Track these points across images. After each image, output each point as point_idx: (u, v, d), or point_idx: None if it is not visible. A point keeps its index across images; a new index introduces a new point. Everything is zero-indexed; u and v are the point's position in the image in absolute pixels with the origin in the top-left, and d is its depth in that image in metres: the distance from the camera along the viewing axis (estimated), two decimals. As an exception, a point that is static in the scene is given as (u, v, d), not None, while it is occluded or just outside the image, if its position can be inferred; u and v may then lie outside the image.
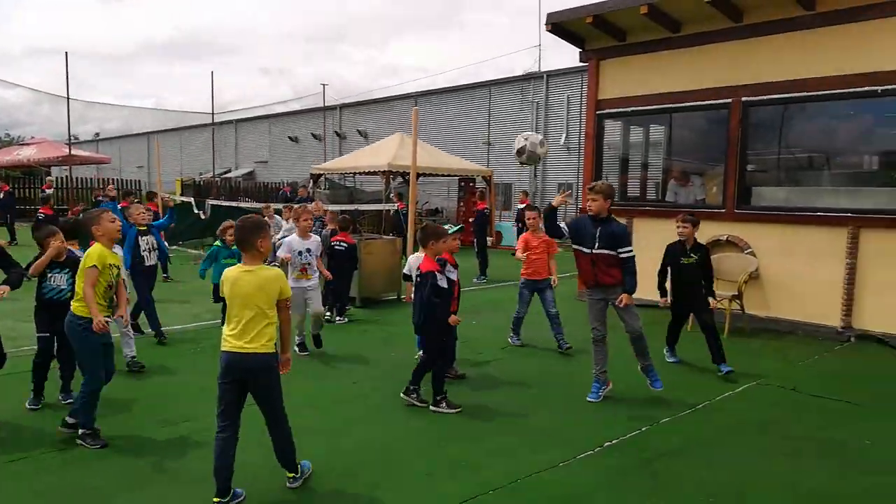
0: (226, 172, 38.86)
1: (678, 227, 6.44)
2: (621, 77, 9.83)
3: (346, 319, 8.79)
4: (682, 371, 6.49)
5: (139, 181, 33.27)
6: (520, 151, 6.45)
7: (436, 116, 29.07)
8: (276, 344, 3.59)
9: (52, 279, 4.97)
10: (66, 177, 25.72)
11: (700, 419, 5.12)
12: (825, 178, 8.76)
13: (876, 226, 7.53)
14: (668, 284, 6.61)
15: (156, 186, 16.43)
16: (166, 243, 8.01)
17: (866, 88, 7.41)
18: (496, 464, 4.17)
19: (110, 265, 4.43)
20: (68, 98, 18.73)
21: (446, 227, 5.75)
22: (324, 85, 36.66)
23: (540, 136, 6.42)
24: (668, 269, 6.52)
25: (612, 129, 10.64)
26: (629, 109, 9.87)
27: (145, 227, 7.45)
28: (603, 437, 4.63)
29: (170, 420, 4.86)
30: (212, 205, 16.86)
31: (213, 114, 25.13)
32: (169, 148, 43.00)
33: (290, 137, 37.85)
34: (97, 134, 58.58)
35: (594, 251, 5.26)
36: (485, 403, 5.39)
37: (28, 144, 29.95)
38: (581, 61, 10.51)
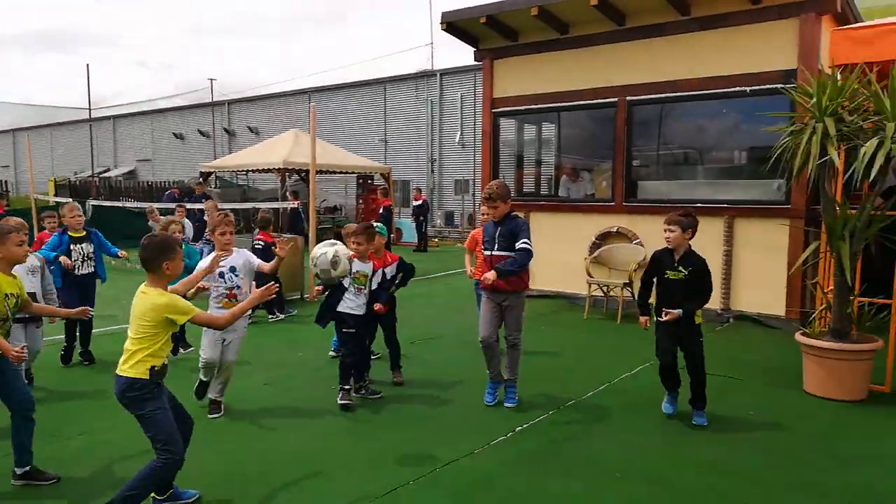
0: (104, 171, 36.61)
1: (665, 231, 4.97)
2: (514, 76, 10.15)
3: (283, 316, 9.03)
4: (584, 355, 6.83)
5: (5, 181, 30.70)
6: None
7: (331, 113, 28.71)
8: (152, 369, 3.28)
9: None
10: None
11: (601, 400, 5.42)
12: (703, 172, 9.45)
13: (748, 215, 8.21)
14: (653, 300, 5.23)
15: (27, 187, 15.28)
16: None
17: (737, 89, 8.07)
18: (414, 456, 4.26)
19: (7, 295, 3.74)
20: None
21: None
22: (211, 80, 35.33)
23: (332, 254, 4.94)
24: (653, 281, 5.02)
25: (507, 127, 10.97)
26: (522, 108, 10.21)
27: (82, 233, 6.44)
28: (515, 423, 4.82)
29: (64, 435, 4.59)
30: (93, 205, 15.87)
31: (90, 109, 23.58)
32: (39, 146, 39.94)
33: (174, 134, 36.17)
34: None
35: (493, 253, 5.03)
36: (402, 398, 5.46)
37: None
38: (475, 60, 10.75)
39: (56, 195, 20.99)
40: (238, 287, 4.95)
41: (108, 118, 39.19)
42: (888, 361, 5.49)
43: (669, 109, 9.07)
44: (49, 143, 41.94)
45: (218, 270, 4.80)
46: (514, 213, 5.09)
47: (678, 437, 4.67)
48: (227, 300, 4.90)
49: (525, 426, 4.80)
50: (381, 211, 16.61)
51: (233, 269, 4.98)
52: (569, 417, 5.03)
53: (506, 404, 5.18)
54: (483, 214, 5.10)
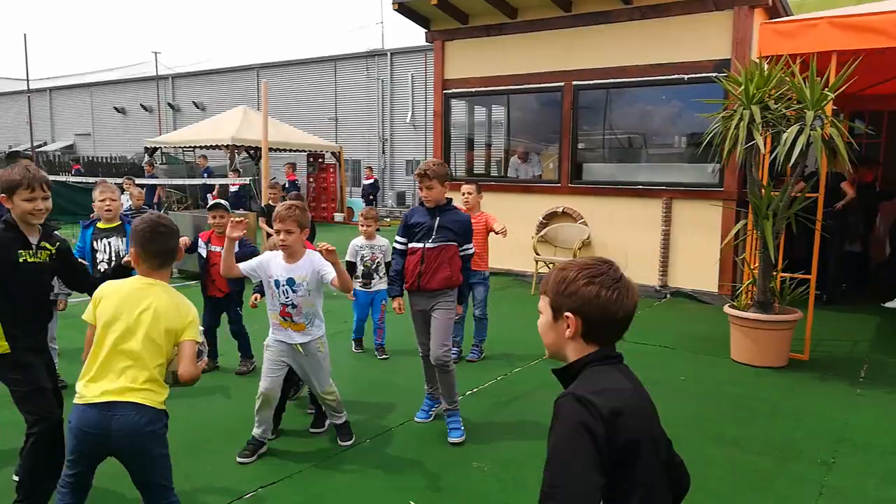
0: (41, 146, 35.28)
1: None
2: (465, 58, 10.37)
3: None
4: (530, 327, 7.16)
5: (-66, 155, 29.31)
6: None
7: (281, 90, 28.35)
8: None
9: None
10: None
11: (546, 367, 5.77)
12: (644, 156, 9.89)
13: (685, 197, 8.68)
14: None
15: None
16: None
17: (675, 76, 8.49)
18: (377, 416, 4.53)
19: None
20: None
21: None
22: (156, 53, 34.31)
23: None
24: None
25: (458, 109, 11.20)
26: (472, 90, 10.45)
27: (115, 223, 5.05)
28: (466, 387, 5.12)
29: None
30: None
31: (27, 80, 22.73)
32: (-31, 118, 38.18)
33: (116, 108, 35.09)
34: None
35: (428, 245, 4.20)
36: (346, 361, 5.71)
37: None
38: (427, 41, 10.91)
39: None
40: (293, 306, 3.76)
41: (44, 90, 37.68)
42: (807, 332, 6.00)
43: (613, 95, 9.46)
44: (-19, 116, 40.14)
45: (274, 278, 3.78)
46: (452, 204, 4.39)
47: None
48: (280, 317, 3.82)
49: (476, 390, 5.14)
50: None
51: (290, 282, 3.74)
52: (515, 382, 5.37)
53: (450, 439, 4.18)
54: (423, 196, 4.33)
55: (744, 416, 4.71)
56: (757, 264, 5.97)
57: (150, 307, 2.62)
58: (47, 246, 3.23)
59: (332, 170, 21.88)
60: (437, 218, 4.24)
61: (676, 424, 4.51)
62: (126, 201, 11.48)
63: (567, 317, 1.63)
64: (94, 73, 36.35)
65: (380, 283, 5.94)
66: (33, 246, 3.16)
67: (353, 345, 6.20)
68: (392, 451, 4.09)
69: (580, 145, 9.73)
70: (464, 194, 6.00)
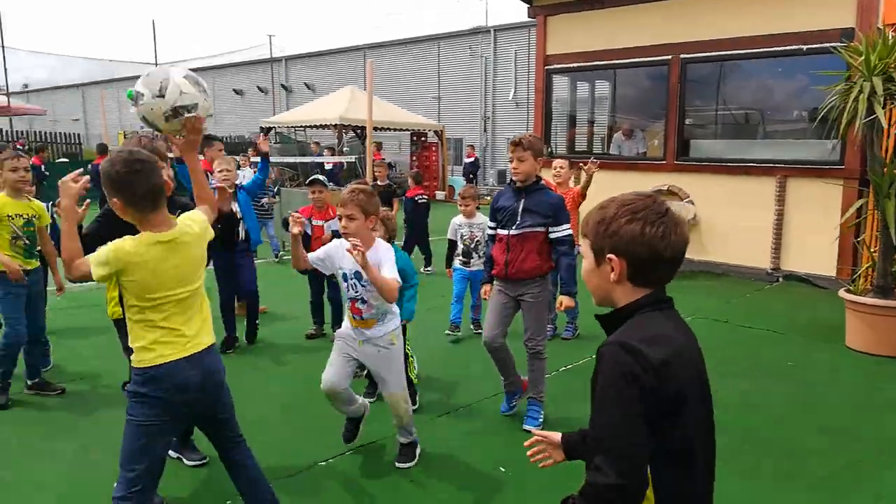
0: (168, 126, 37.87)
1: None
2: (568, 33, 10.19)
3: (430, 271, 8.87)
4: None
5: (78, 134, 32.14)
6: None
7: (385, 70, 28.90)
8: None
9: None
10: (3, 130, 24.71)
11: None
12: (757, 131, 9.40)
13: (802, 175, 8.20)
14: None
15: (97, 139, 16.12)
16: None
17: (793, 47, 7.99)
18: (459, 393, 4.66)
19: (10, 216, 4.23)
20: (3, 46, 17.94)
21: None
22: (270, 36, 35.82)
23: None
24: None
25: (560, 85, 11.05)
26: (575, 65, 10.28)
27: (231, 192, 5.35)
28: (559, 363, 5.16)
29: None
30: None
31: (156, 64, 24.42)
32: (106, 100, 41.44)
33: (234, 90, 37.02)
34: (26, 85, 55.72)
35: (512, 232, 3.88)
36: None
37: (-46, 97, 28.46)
38: (529, 17, 10.81)
39: (125, 149, 21.97)
40: (363, 301, 3.38)
41: (170, 74, 40.31)
42: (931, 320, 5.57)
43: (724, 68, 9.03)
44: (116, 97, 43.41)
45: (342, 271, 3.41)
46: (542, 181, 4.00)
47: (712, 378, 4.91)
48: (351, 314, 3.47)
49: (569, 366, 5.17)
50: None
51: (358, 276, 3.34)
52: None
53: (525, 426, 4.00)
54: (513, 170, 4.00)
55: (854, 407, 4.48)
56: (877, 247, 5.60)
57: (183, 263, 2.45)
58: None
59: (434, 148, 22.18)
60: (523, 200, 3.88)
61: (779, 410, 4.39)
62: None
63: (610, 258, 1.50)
64: (216, 56, 38.36)
65: (479, 263, 5.94)
66: None
67: (450, 325, 6.04)
68: (474, 426, 4.18)
69: (687, 121, 9.38)
70: (555, 168, 5.92)
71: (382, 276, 3.19)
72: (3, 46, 17.87)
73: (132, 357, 2.44)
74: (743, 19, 8.38)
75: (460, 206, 6.05)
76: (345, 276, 3.38)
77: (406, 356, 4.13)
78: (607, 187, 8.86)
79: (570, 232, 3.95)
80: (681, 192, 9.16)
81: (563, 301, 3.89)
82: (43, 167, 15.05)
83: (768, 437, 3.98)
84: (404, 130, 22.06)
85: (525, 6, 10.69)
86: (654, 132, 9.98)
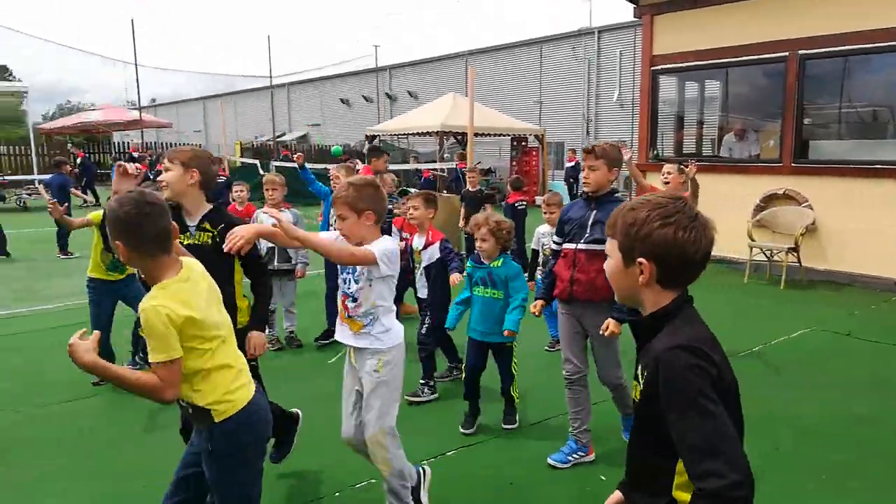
0: (281, 136, 39.72)
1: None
2: (676, 32, 9.85)
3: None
4: (740, 318, 6.73)
5: (199, 145, 34.37)
6: None
7: (486, 75, 29.05)
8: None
9: None
10: (135, 142, 26.85)
11: (756, 360, 5.41)
12: (884, 131, 8.71)
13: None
14: None
15: (218, 150, 17.14)
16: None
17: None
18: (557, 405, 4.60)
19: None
20: (136, 64, 19.53)
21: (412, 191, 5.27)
22: (376, 46, 36.89)
23: None
24: None
25: (667, 85, 10.69)
26: (684, 65, 9.91)
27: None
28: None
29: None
30: (276, 166, 17.51)
31: (270, 77, 25.78)
32: (224, 112, 44.06)
33: (341, 100, 38.35)
34: (153, 100, 60.29)
35: (580, 245, 3.52)
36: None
37: (94, 110, 31.26)
38: (635, 17, 10.54)
39: (241, 156, 23.26)
40: (354, 299, 2.94)
41: (283, 86, 42.27)
42: None
43: (848, 63, 8.43)
44: (233, 110, 46.11)
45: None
46: (618, 193, 3.68)
47: (832, 392, 4.61)
48: (341, 306, 3.01)
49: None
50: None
51: (352, 270, 2.95)
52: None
53: (624, 435, 3.78)
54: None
55: None
56: None
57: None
58: (208, 227, 3.08)
59: (534, 153, 22.05)
60: (595, 211, 3.52)
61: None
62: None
63: (640, 262, 1.51)
64: (325, 67, 39.95)
65: None
66: (190, 228, 3.08)
67: (550, 341, 5.83)
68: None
69: (806, 121, 8.82)
70: (664, 174, 5.61)
71: (321, 239, 2.88)
72: (136, 67, 19.41)
73: (212, 413, 2.21)
74: (865, 12, 7.80)
75: (545, 213, 5.70)
76: (342, 270, 3.01)
77: (511, 376, 4.14)
78: (718, 191, 8.52)
79: None
80: (798, 195, 8.63)
81: (610, 325, 3.39)
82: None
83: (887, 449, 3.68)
84: (504, 135, 22.07)
85: (631, 6, 10.44)
86: (769, 133, 9.46)
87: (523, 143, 22.44)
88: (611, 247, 1.62)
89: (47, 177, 12.46)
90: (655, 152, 10.47)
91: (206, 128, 47.79)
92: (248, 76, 43.40)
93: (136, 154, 22.77)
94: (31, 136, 26.07)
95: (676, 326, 1.50)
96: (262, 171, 17.84)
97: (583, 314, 3.57)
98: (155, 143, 29.86)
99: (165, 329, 2.04)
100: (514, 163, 22.57)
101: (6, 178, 20.58)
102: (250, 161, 20.04)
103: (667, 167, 5.71)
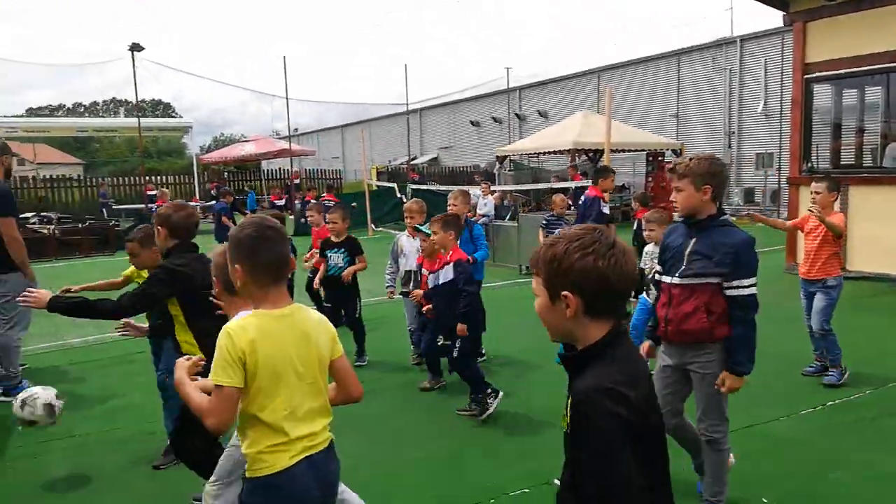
0: (413, 159, 41.17)
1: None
2: (831, 38, 9.29)
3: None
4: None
5: (338, 170, 36.36)
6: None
7: (619, 90, 28.60)
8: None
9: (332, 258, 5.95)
10: (281, 169, 28.87)
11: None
12: None
13: None
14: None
15: (353, 175, 18.06)
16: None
17: None
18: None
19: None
20: (287, 98, 21.13)
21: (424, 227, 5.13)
22: (507, 69, 37.40)
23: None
24: None
25: (821, 93, 10.08)
26: (841, 72, 9.31)
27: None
28: (824, 398, 4.72)
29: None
30: (413, 189, 18.21)
31: (407, 104, 26.89)
32: (360, 139, 46.34)
33: (471, 122, 39.14)
34: (296, 129, 64.42)
35: (674, 279, 3.06)
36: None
37: (247, 141, 33.99)
38: (785, 25, 10.06)
39: (377, 180, 24.39)
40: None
41: (416, 111, 43.86)
42: None
43: None
44: (368, 135, 48.46)
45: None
46: (725, 218, 3.06)
47: None
48: None
49: (838, 402, 4.68)
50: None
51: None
52: (889, 398, 4.75)
53: None
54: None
55: None
56: None
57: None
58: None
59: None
60: (693, 240, 3.02)
61: None
62: (483, 205, 12.90)
63: (565, 296, 1.49)
64: (458, 92, 41.03)
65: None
66: None
67: None
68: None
69: None
70: (812, 192, 5.08)
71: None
72: (287, 101, 21.01)
73: (247, 463, 2.12)
74: None
75: (645, 231, 5.41)
76: None
77: None
78: (882, 203, 7.92)
79: (751, 290, 2.93)
80: (981, 207, 7.81)
81: (728, 380, 2.95)
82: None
83: None
84: (639, 151, 21.57)
85: (779, 13, 9.97)
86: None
87: (659, 158, 21.82)
88: (536, 284, 1.60)
89: (216, 204, 13.79)
90: (810, 165, 9.87)
91: (343, 154, 50.41)
92: (386, 104, 45.30)
93: (297, 181, 24.55)
94: (195, 167, 28.86)
95: (607, 362, 1.49)
96: (399, 194, 18.63)
97: (682, 357, 3.09)
98: (298, 170, 32.09)
99: (228, 354, 1.98)
100: (649, 178, 21.98)
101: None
102: (387, 185, 20.92)
103: (814, 185, 5.16)
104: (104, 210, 21.73)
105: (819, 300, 5.02)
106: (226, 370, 1.97)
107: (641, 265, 5.49)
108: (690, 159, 3.08)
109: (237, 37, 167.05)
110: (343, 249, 5.91)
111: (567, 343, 1.60)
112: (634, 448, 1.42)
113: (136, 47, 19.36)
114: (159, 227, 3.36)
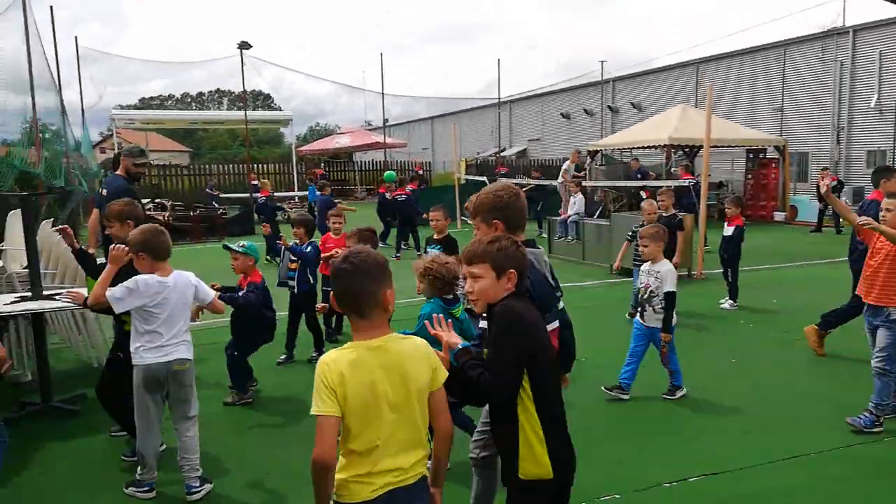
0: (500, 151, 41.18)
1: None
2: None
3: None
4: None
5: (428, 162, 36.92)
6: None
7: (718, 83, 27.54)
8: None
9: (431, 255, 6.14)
10: (377, 160, 29.65)
11: None
12: None
13: None
14: None
15: (442, 166, 18.26)
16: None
17: None
18: (815, 438, 4.42)
19: None
20: (383, 94, 21.71)
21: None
22: (602, 61, 36.69)
23: None
24: None
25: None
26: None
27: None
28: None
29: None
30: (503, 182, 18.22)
31: (499, 100, 27.06)
32: (450, 130, 46.68)
33: (562, 114, 38.70)
34: (387, 120, 65.59)
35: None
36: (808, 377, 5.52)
37: (342, 134, 35.09)
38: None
39: (466, 173, 24.57)
40: None
41: (506, 103, 43.81)
42: None
43: None
44: (458, 129, 48.79)
45: None
46: None
47: None
48: None
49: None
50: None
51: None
52: None
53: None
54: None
55: None
56: None
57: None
58: None
59: (773, 165, 20.47)
60: None
61: None
62: (572, 203, 12.85)
63: (510, 273, 2.39)
64: (551, 85, 40.63)
65: (655, 319, 5.09)
66: None
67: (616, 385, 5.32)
68: None
69: None
70: (882, 212, 4.44)
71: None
72: (383, 96, 21.57)
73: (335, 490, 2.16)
74: None
75: (640, 248, 5.42)
76: None
77: None
78: None
79: None
80: None
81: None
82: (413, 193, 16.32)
83: None
84: (739, 147, 20.77)
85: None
86: None
87: (760, 155, 20.93)
88: (482, 269, 2.41)
89: (321, 197, 14.16)
90: (928, 167, 9.29)
91: (433, 145, 50.97)
92: (476, 98, 45.44)
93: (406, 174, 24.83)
94: (293, 157, 30.06)
95: (512, 302, 2.40)
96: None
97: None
98: (388, 162, 32.88)
99: (321, 383, 2.07)
100: (749, 175, 21.13)
101: (275, 195, 23.83)
102: (477, 178, 21.00)
103: (886, 202, 4.44)
104: (213, 201, 22.88)
105: (883, 336, 4.41)
106: (320, 397, 2.06)
107: (637, 284, 5.34)
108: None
109: (333, 28, 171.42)
110: (441, 248, 6.10)
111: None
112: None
113: (244, 45, 20.38)
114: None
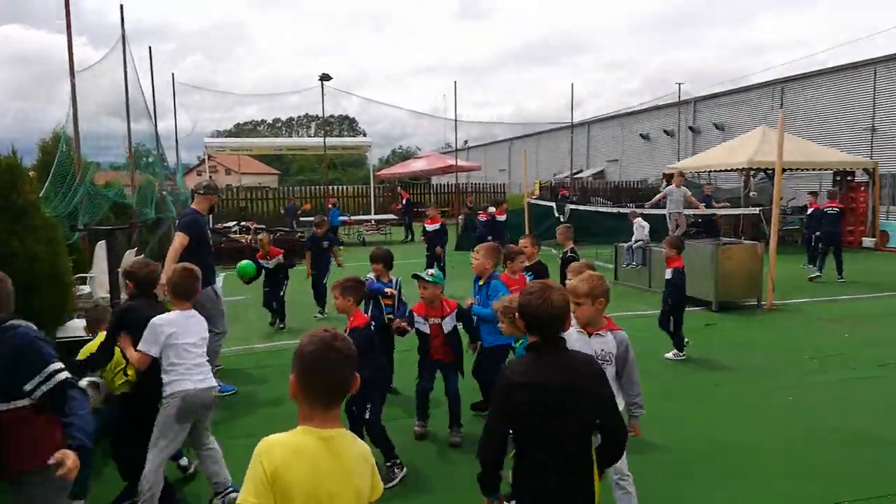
0: (577, 173, 40.83)
1: None
2: None
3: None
4: None
5: (503, 184, 37.12)
6: None
7: (804, 103, 26.49)
8: None
9: None
10: (449, 183, 30.13)
11: None
12: None
13: None
14: None
15: (518, 188, 18.36)
16: None
17: None
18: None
19: None
20: (455, 120, 22.18)
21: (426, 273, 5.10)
22: (679, 84, 36.00)
23: None
24: None
25: None
26: None
27: None
28: None
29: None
30: (571, 208, 18.21)
31: (572, 123, 27.05)
32: (527, 152, 46.73)
33: (641, 135, 38.09)
34: (465, 141, 66.37)
35: None
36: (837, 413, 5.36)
37: (418, 158, 35.87)
38: None
39: (539, 196, 24.53)
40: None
41: (583, 124, 43.49)
42: None
43: None
44: (535, 149, 48.71)
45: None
46: None
47: None
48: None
49: None
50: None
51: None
52: None
53: None
54: None
55: None
56: None
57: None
58: None
59: (863, 188, 19.50)
60: None
61: None
62: (638, 228, 12.60)
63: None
64: (628, 108, 40.20)
65: None
66: None
67: None
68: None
69: None
70: None
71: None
72: (456, 123, 22.03)
73: None
74: None
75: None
76: None
77: None
78: None
79: None
80: None
81: None
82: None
83: None
84: (826, 170, 19.90)
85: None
86: None
87: (849, 178, 19.98)
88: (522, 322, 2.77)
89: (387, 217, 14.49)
90: None
91: (509, 166, 51.16)
92: (549, 123, 45.45)
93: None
94: (372, 180, 30.97)
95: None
96: (556, 214, 18.49)
97: None
98: (464, 184, 33.35)
99: (252, 473, 1.90)
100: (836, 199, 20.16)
101: (351, 217, 24.64)
102: (544, 202, 20.47)
103: None
104: (293, 222, 23.77)
105: None
106: (248, 488, 1.89)
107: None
108: None
109: (412, 56, 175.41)
110: (531, 274, 6.12)
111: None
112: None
113: (325, 77, 21.37)
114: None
